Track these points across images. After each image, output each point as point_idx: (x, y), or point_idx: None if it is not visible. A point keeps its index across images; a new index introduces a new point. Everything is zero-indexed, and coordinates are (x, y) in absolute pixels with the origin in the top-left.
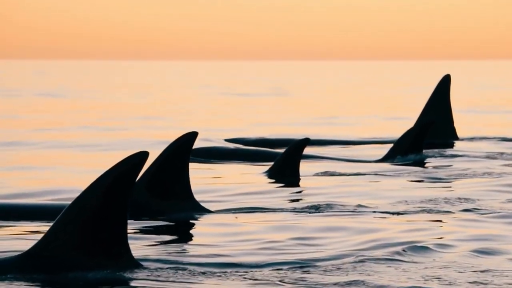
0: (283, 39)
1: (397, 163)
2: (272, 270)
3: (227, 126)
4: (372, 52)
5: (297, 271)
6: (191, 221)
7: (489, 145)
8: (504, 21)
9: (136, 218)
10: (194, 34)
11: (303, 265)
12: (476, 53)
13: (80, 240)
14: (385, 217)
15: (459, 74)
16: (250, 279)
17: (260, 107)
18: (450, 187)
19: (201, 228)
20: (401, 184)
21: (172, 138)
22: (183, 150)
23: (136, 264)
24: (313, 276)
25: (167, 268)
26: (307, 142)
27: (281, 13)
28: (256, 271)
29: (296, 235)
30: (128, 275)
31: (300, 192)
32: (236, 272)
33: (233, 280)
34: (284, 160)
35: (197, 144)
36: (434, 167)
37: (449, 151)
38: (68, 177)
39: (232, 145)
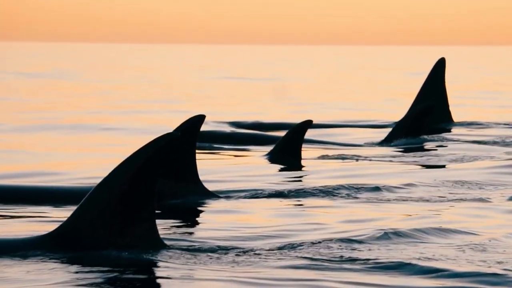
0: (278, 24)
1: (397, 147)
2: (290, 253)
3: (221, 110)
4: (367, 37)
5: (310, 253)
6: (200, 205)
7: (484, 130)
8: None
9: None
10: (191, 17)
11: (314, 247)
12: (470, 39)
13: (107, 221)
14: (390, 202)
15: (454, 59)
16: (265, 262)
17: (256, 91)
18: (451, 171)
19: (210, 212)
20: (403, 168)
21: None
22: (191, 133)
23: (164, 246)
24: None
25: (193, 251)
26: (309, 124)
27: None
28: (269, 255)
29: (306, 220)
30: (156, 257)
31: (302, 176)
32: (252, 255)
33: (250, 263)
34: (286, 142)
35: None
36: (434, 150)
37: (446, 135)
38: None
39: (227, 129)
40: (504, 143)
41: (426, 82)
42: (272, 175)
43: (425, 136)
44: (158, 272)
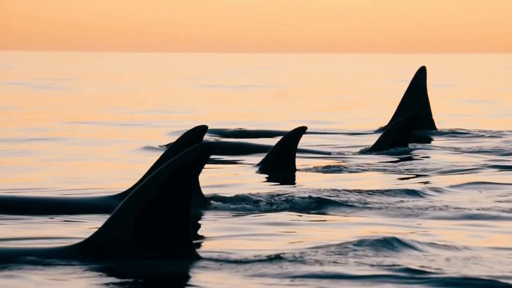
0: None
1: (384, 156)
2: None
3: (200, 119)
4: (353, 46)
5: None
6: (202, 216)
7: (467, 137)
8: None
9: None
10: (179, 26)
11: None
12: (450, 47)
13: (140, 230)
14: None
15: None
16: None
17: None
18: (436, 179)
19: (216, 222)
20: (391, 177)
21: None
22: (193, 144)
23: (198, 257)
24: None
25: (229, 262)
26: (303, 130)
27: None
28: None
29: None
30: (190, 267)
31: (299, 188)
32: (283, 263)
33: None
34: (278, 151)
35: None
36: (420, 159)
37: (430, 143)
38: None
39: (208, 138)
40: (485, 151)
41: (408, 90)
42: (264, 189)
43: (411, 145)
44: (194, 285)
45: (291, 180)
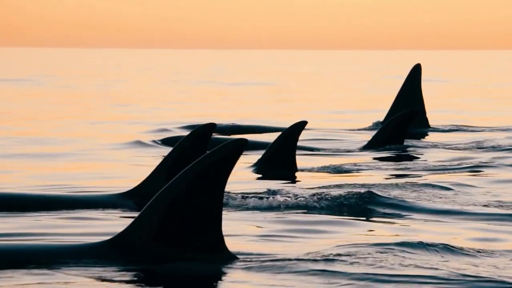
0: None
1: (381, 152)
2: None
3: (189, 114)
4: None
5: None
6: (228, 213)
7: (461, 134)
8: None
9: None
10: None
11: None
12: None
13: (170, 228)
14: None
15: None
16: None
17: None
18: (435, 176)
19: (231, 222)
20: (389, 174)
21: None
22: (201, 142)
23: (230, 255)
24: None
25: (261, 261)
26: (304, 125)
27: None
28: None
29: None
30: (222, 265)
31: (300, 186)
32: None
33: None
34: (278, 148)
35: (165, 134)
36: (416, 156)
37: (424, 141)
38: None
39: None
40: (480, 148)
41: (403, 88)
42: (268, 185)
43: (407, 141)
44: (226, 283)
45: (292, 178)
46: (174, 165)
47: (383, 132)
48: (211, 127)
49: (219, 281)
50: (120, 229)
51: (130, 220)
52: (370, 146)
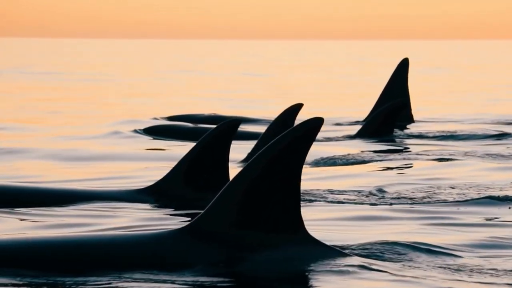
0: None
1: (369, 143)
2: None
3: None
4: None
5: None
6: None
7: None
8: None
9: (173, 207)
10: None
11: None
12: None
13: (247, 213)
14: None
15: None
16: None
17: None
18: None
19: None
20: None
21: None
22: (224, 139)
23: (312, 239)
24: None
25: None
26: (299, 108)
27: None
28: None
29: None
30: (302, 251)
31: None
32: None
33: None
34: (272, 135)
35: (149, 123)
36: (406, 148)
37: (409, 132)
38: None
39: (183, 123)
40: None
41: (390, 82)
42: None
43: (394, 132)
44: (311, 272)
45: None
46: (194, 161)
47: (371, 123)
48: (236, 123)
49: (307, 263)
50: (143, 224)
51: (152, 216)
52: (358, 136)
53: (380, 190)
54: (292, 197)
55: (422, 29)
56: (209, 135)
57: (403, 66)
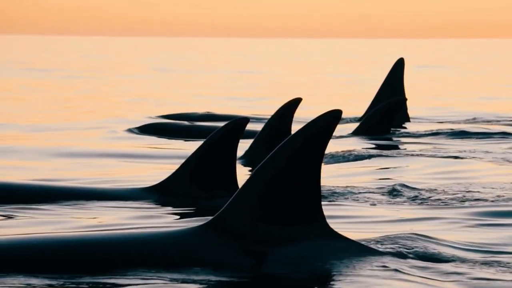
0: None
1: (365, 141)
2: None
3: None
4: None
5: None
6: None
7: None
8: None
9: (179, 206)
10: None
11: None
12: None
13: (268, 208)
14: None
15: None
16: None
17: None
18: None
19: None
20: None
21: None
22: (232, 137)
23: (333, 233)
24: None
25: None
26: (298, 102)
27: None
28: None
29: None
30: (325, 245)
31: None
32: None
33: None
34: (270, 132)
35: (144, 121)
36: (403, 146)
37: (405, 131)
38: None
39: (178, 121)
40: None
41: (385, 81)
42: None
43: (392, 130)
44: (335, 266)
45: None
46: (201, 160)
47: (369, 121)
48: (244, 122)
49: (330, 257)
50: (151, 222)
51: (161, 214)
52: (356, 134)
53: (380, 189)
54: (313, 190)
55: (419, 28)
56: (217, 133)
57: (399, 65)
